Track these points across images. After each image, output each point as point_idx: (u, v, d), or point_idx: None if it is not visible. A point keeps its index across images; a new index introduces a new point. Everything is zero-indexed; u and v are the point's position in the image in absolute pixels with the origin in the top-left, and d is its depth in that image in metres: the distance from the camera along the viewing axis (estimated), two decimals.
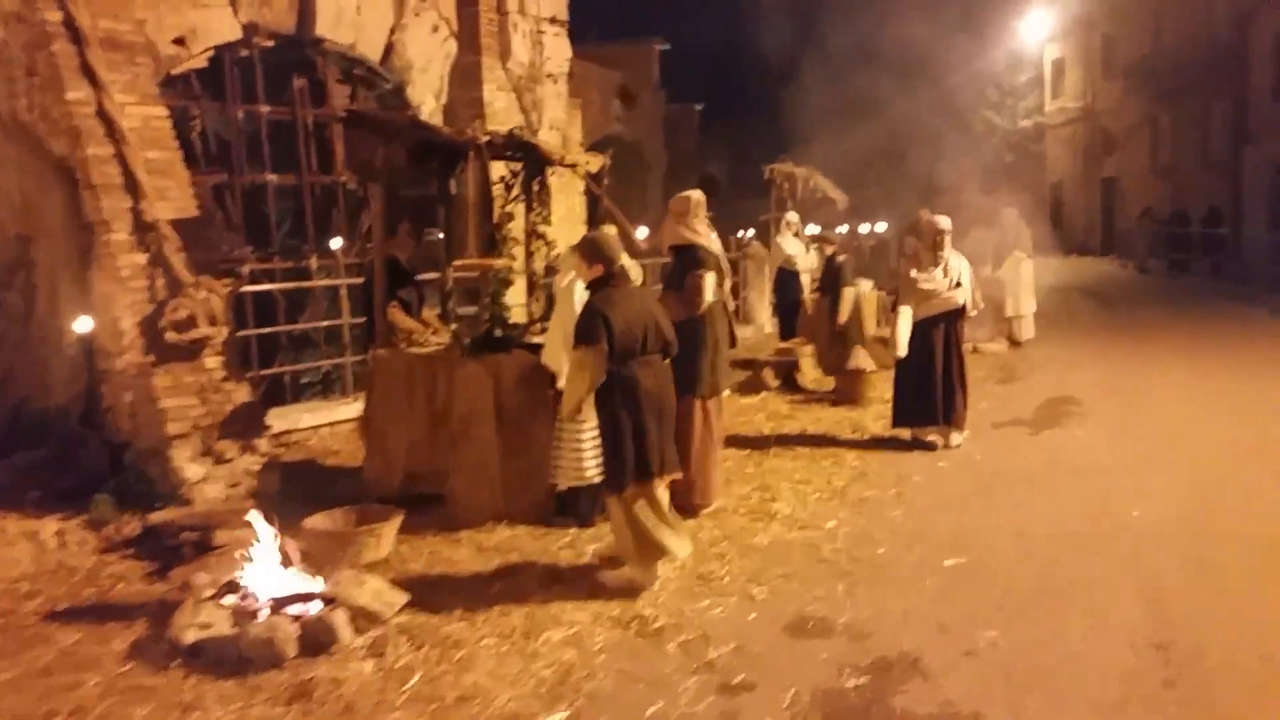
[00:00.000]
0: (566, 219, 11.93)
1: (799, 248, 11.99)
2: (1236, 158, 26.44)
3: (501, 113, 12.03)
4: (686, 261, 6.11)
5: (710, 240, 6.30)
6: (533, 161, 7.54)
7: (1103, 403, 9.39)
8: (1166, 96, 29.80)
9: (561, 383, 5.55)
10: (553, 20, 12.56)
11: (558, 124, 12.65)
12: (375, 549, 5.35)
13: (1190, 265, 25.84)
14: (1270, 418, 8.46)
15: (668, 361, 5.13)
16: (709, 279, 6.05)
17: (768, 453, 7.67)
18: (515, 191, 7.58)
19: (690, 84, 32.50)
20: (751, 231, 18.66)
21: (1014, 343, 13.25)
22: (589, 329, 4.80)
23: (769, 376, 10.67)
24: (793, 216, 12.10)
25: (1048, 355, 12.61)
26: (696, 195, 6.41)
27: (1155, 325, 15.75)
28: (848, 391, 9.59)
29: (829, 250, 10.90)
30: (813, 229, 14.58)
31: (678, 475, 5.16)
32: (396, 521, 5.47)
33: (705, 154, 37.96)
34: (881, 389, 9.46)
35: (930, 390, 7.68)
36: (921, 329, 7.74)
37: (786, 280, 11.99)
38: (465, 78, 11.94)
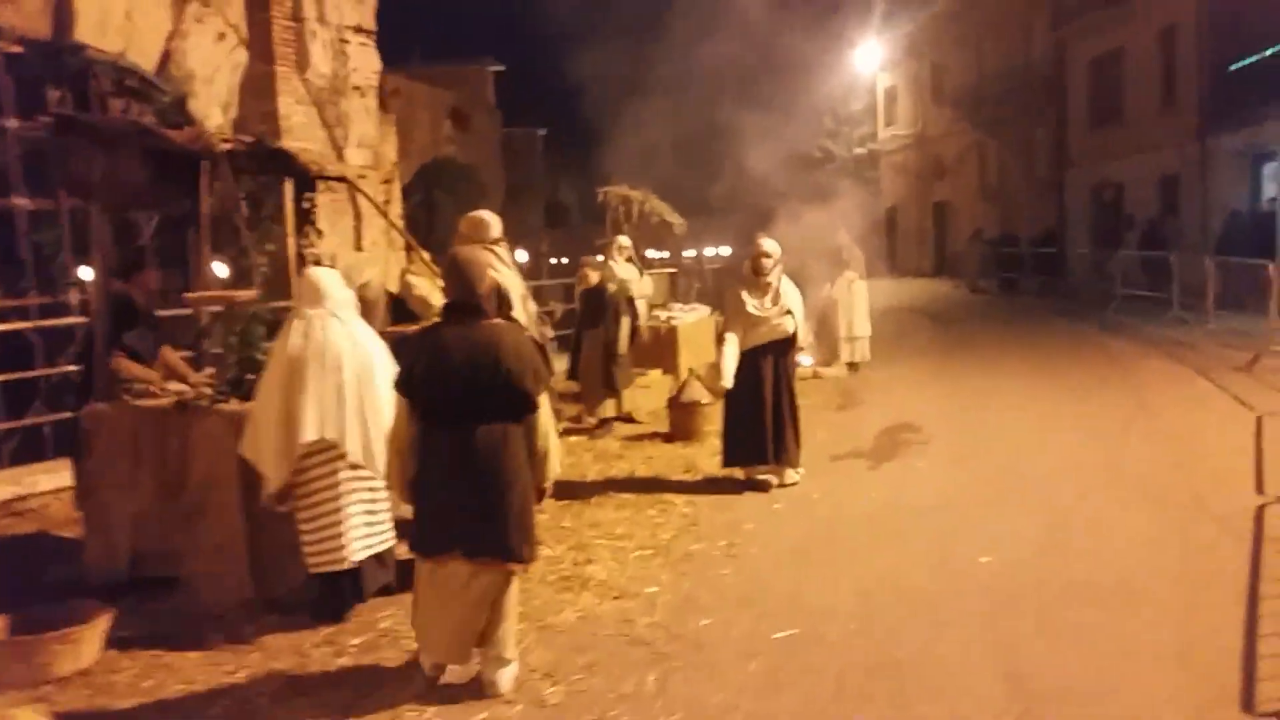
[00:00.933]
0: (346, 244, 10.91)
1: (632, 272, 11.27)
2: (1059, 181, 27.48)
3: (300, 128, 10.91)
4: None
5: (505, 269, 5.48)
6: (292, 175, 6.50)
7: (942, 428, 8.98)
8: (992, 123, 30.84)
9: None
10: (358, 29, 11.52)
11: (367, 141, 11.59)
12: (73, 658, 4.22)
13: (1020, 284, 26.63)
14: (1110, 438, 8.18)
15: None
16: None
17: (589, 502, 6.83)
18: (274, 210, 6.51)
19: (535, 108, 31.78)
20: (600, 258, 18.00)
21: (852, 366, 12.90)
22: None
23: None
24: (624, 240, 11.37)
25: (886, 378, 12.28)
26: (485, 216, 5.58)
27: (990, 343, 15.78)
28: (682, 426, 8.87)
29: (593, 279, 10.07)
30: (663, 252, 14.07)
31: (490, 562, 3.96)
32: (102, 623, 4.35)
33: (553, 179, 37.22)
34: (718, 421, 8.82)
35: (760, 426, 7.03)
36: (750, 359, 7.08)
37: (619, 307, 11.24)
38: (259, 90, 10.75)
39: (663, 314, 11.45)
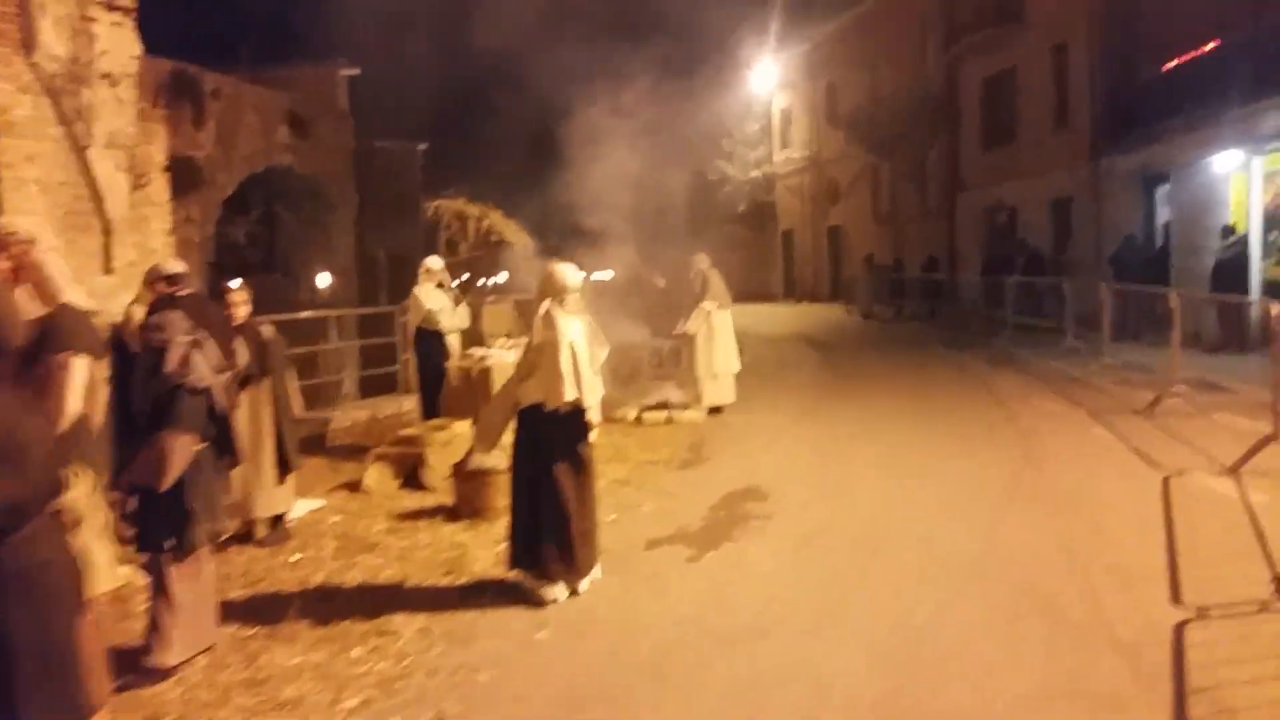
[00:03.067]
0: (89, 263, 8.90)
1: (444, 301, 9.47)
2: (952, 203, 26.57)
3: (26, 121, 8.84)
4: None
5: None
6: None
7: (794, 494, 7.35)
8: (885, 146, 29.93)
9: None
10: (110, 6, 9.48)
11: (120, 140, 9.55)
12: None
13: (907, 311, 25.64)
14: (990, 508, 6.64)
15: None
16: None
17: (277, 632, 4.90)
18: None
19: (416, 122, 29.73)
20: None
21: (714, 409, 11.28)
22: None
23: (378, 475, 8.02)
24: (434, 262, 9.57)
25: (748, 423, 10.67)
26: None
27: (872, 377, 14.38)
28: (469, 501, 7.03)
29: (136, 316, 6.19)
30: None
31: None
32: None
33: (437, 195, 35.17)
34: None
35: (535, 523, 5.28)
36: (533, 424, 5.34)
37: (428, 342, 9.42)
38: None
39: (481, 350, 9.62)
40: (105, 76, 9.37)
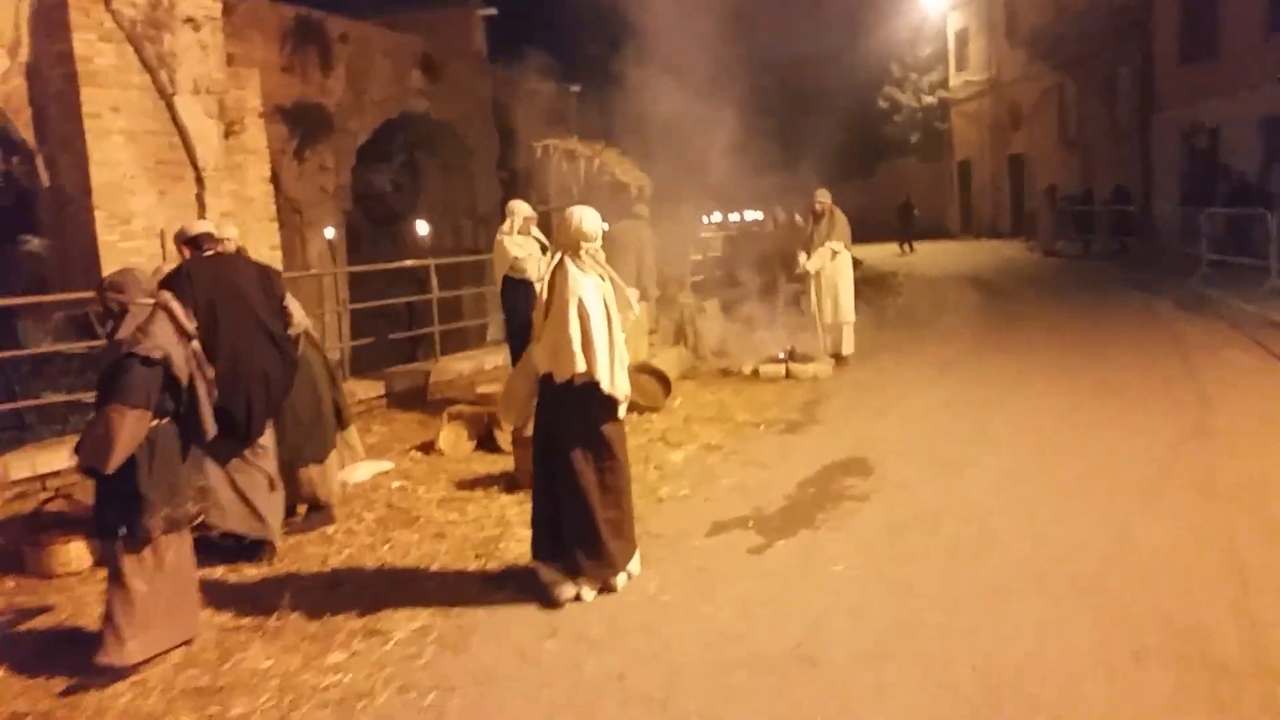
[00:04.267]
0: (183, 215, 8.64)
1: (532, 248, 8.79)
2: (1146, 126, 23.83)
3: (109, 70, 8.69)
4: None
5: None
6: None
7: (902, 470, 6.32)
8: (1072, 64, 27.20)
9: None
10: None
11: (208, 85, 9.30)
12: None
13: (1094, 247, 23.31)
14: (1134, 500, 5.45)
15: None
16: None
17: (266, 625, 4.37)
18: None
19: (565, 63, 29.00)
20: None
21: (838, 359, 10.22)
22: None
23: (452, 436, 7.49)
24: (520, 206, 8.87)
25: (877, 379, 9.59)
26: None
27: (1037, 324, 12.89)
28: (530, 469, 6.36)
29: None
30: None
31: None
32: None
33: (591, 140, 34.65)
34: None
35: (557, 512, 4.56)
36: (547, 399, 4.60)
37: (514, 291, 8.78)
38: (52, 24, 8.53)
39: None
40: (188, 21, 9.11)
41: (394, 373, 10.02)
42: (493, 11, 20.68)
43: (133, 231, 9.01)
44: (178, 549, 4.24)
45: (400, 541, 5.45)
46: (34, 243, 9.19)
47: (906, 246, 29.33)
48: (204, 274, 5.11)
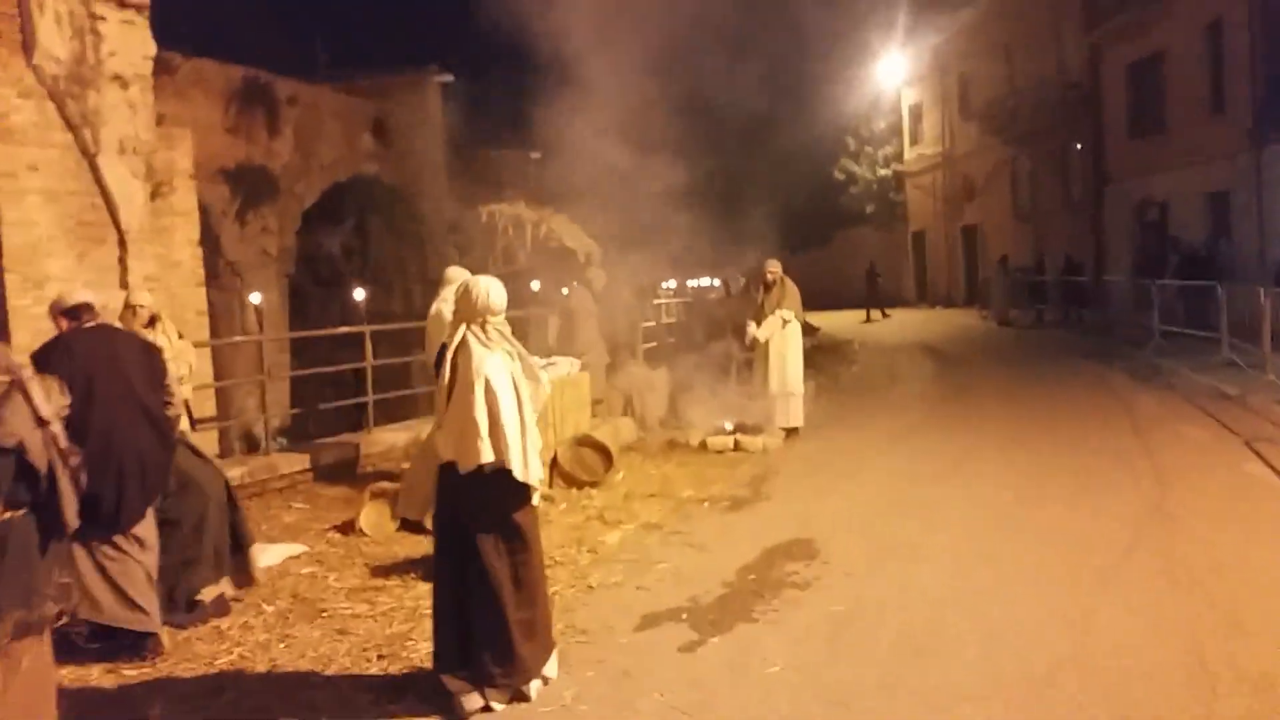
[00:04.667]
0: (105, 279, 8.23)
1: None
2: (1098, 198, 24.16)
3: (28, 128, 8.30)
4: None
5: None
6: None
7: (848, 553, 5.95)
8: (1024, 139, 27.75)
9: None
10: (121, 4, 8.88)
11: (135, 146, 8.91)
12: None
13: (1047, 316, 23.43)
14: (1092, 587, 5.12)
15: None
16: None
17: None
18: None
19: (521, 130, 29.04)
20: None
21: (789, 432, 9.91)
22: None
23: (375, 515, 7.02)
24: (459, 273, 8.52)
25: (828, 451, 9.29)
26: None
27: (990, 394, 12.71)
28: None
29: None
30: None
31: None
32: None
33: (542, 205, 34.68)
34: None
35: (462, 613, 4.12)
36: (451, 488, 4.18)
37: None
38: None
39: None
40: (115, 78, 8.75)
41: (323, 444, 9.52)
42: (448, 78, 20.59)
43: (46, 296, 8.52)
44: (35, 653, 3.74)
45: (299, 639, 4.95)
46: None
47: (878, 313, 29.38)
48: (83, 346, 4.70)
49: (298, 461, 8.77)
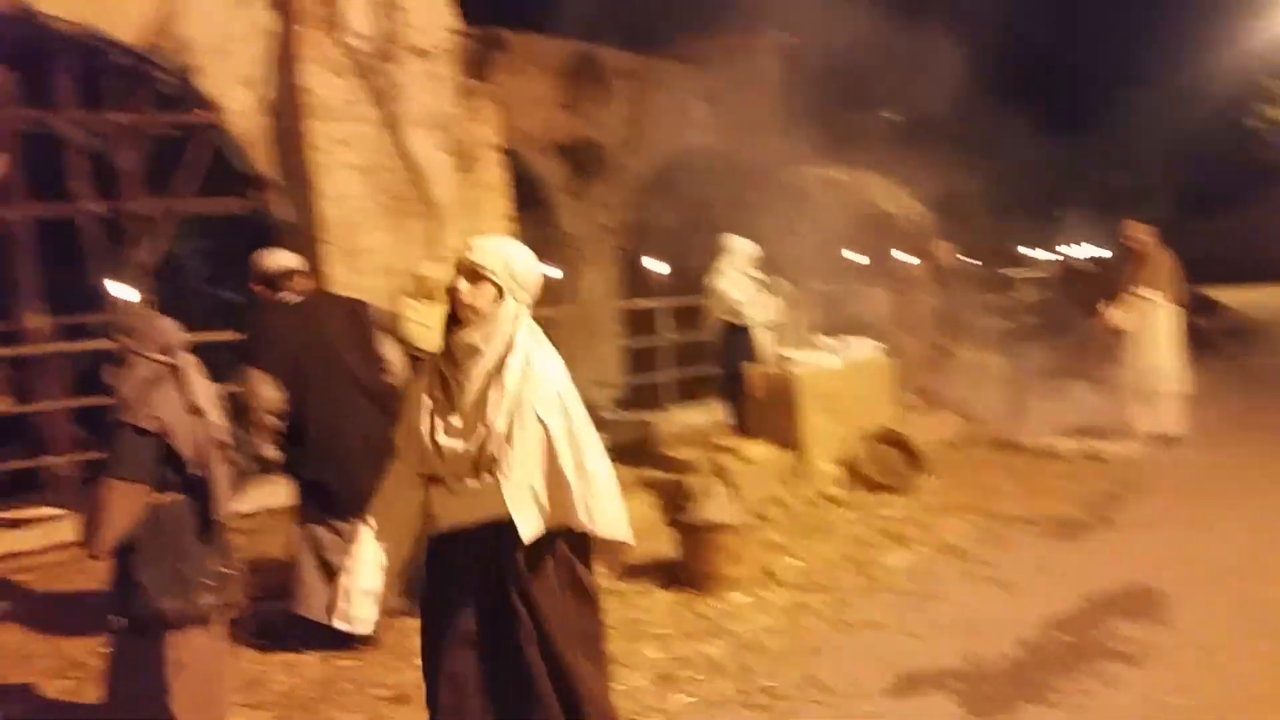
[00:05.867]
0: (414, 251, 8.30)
1: (747, 290, 7.53)
2: None
3: (337, 106, 8.56)
4: None
5: None
6: None
7: (1200, 625, 4.35)
8: None
9: None
10: None
11: (440, 120, 8.96)
12: None
13: None
14: None
15: None
16: None
17: None
18: None
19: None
20: None
21: (1163, 439, 8.01)
22: None
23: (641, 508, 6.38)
24: (740, 243, 7.66)
25: (1202, 470, 7.32)
26: None
27: None
28: (695, 565, 5.13)
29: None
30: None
31: None
32: None
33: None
34: (768, 557, 5.14)
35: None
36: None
37: (732, 338, 7.54)
38: (286, 58, 8.56)
39: (795, 352, 7.41)
40: (417, 51, 8.82)
41: (617, 422, 9.17)
42: (792, 40, 19.66)
43: (360, 267, 8.80)
44: (198, 646, 3.46)
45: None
46: None
47: None
48: (284, 329, 4.42)
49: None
